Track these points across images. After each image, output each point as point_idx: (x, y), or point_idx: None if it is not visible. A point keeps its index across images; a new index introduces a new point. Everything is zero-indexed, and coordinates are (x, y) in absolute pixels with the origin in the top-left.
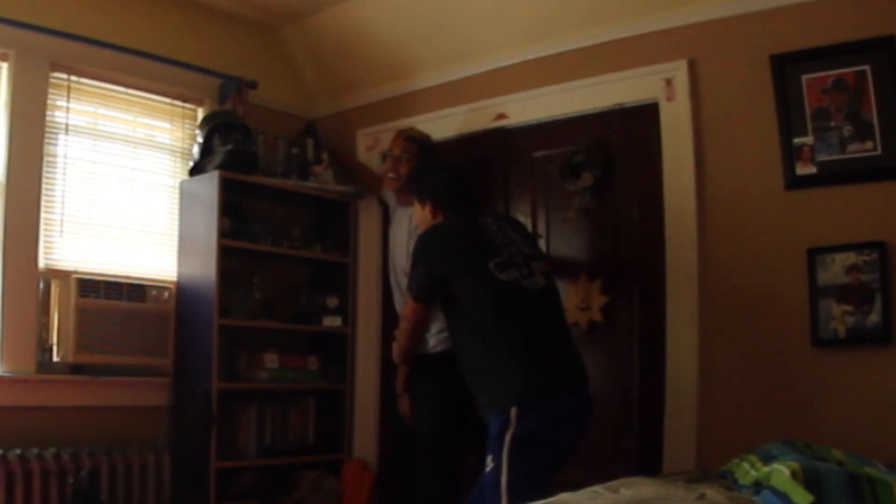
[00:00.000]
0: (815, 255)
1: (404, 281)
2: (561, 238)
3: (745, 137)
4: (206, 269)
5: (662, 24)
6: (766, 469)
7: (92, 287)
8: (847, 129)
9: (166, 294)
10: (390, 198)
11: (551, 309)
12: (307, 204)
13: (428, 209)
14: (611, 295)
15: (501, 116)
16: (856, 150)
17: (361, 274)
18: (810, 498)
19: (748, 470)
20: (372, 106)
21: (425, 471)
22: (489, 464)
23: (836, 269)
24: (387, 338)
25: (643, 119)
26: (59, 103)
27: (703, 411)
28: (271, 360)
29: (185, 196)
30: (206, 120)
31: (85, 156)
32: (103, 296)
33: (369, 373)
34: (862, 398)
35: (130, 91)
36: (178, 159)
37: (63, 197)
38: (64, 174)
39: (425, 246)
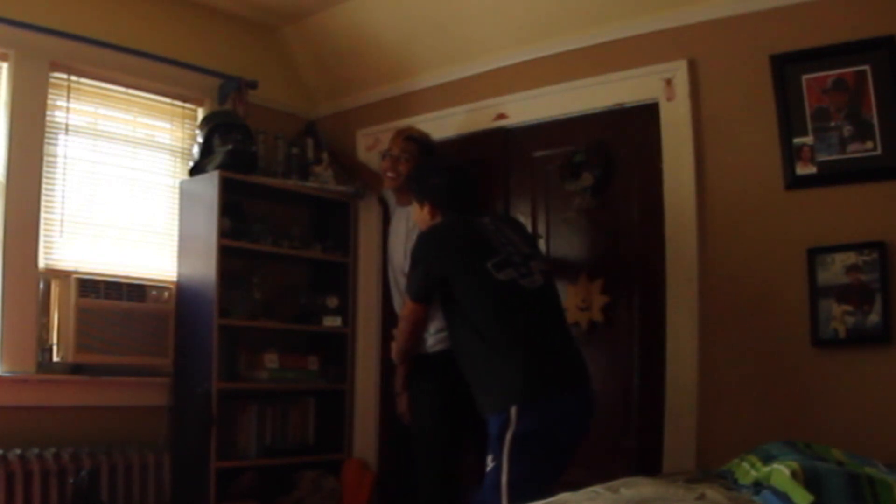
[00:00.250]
0: (815, 255)
1: (402, 281)
2: (561, 238)
3: (745, 137)
4: (206, 269)
5: (662, 24)
6: (766, 469)
7: (92, 287)
8: (847, 129)
9: (166, 294)
10: (390, 197)
11: (550, 307)
12: (307, 204)
13: (427, 210)
14: (611, 295)
15: (501, 116)
16: (856, 150)
17: (361, 274)
18: (810, 498)
19: (748, 470)
20: (372, 106)
21: (425, 471)
22: (490, 463)
23: (836, 269)
24: (387, 338)
25: (643, 119)
26: (59, 103)
27: (703, 411)
28: (271, 360)
29: (185, 196)
30: (206, 120)
31: (85, 156)
32: (103, 296)
33: (369, 373)
34: (862, 398)
35: (130, 91)
36: (178, 159)
37: (63, 197)
38: (64, 174)
39: (424, 247)
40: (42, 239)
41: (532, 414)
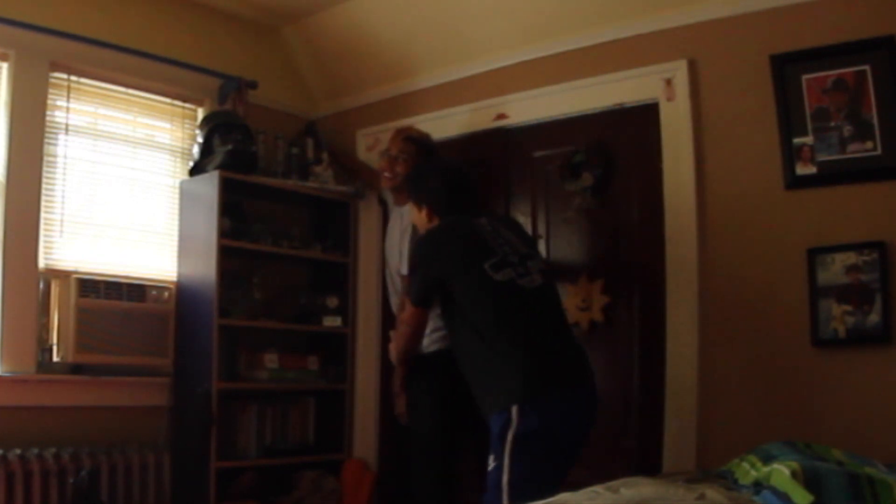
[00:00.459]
0: (815, 255)
1: (398, 280)
2: (561, 238)
3: (745, 137)
4: (206, 269)
5: (662, 24)
6: (766, 469)
7: (92, 287)
8: (847, 129)
9: (166, 294)
10: (388, 197)
11: (550, 307)
12: (307, 204)
13: (425, 212)
14: (611, 295)
15: (501, 116)
16: (856, 150)
17: (361, 274)
18: (810, 498)
19: (748, 470)
20: (372, 106)
21: (424, 472)
22: (491, 463)
23: (836, 269)
24: (387, 338)
25: (643, 119)
26: (59, 103)
27: (703, 411)
28: (271, 360)
29: (185, 196)
30: (206, 120)
31: (85, 156)
32: (103, 296)
33: (369, 373)
34: (862, 398)
35: (130, 91)
36: (178, 159)
37: (63, 197)
38: (64, 174)
39: (421, 250)
40: (42, 239)
41: (533, 413)
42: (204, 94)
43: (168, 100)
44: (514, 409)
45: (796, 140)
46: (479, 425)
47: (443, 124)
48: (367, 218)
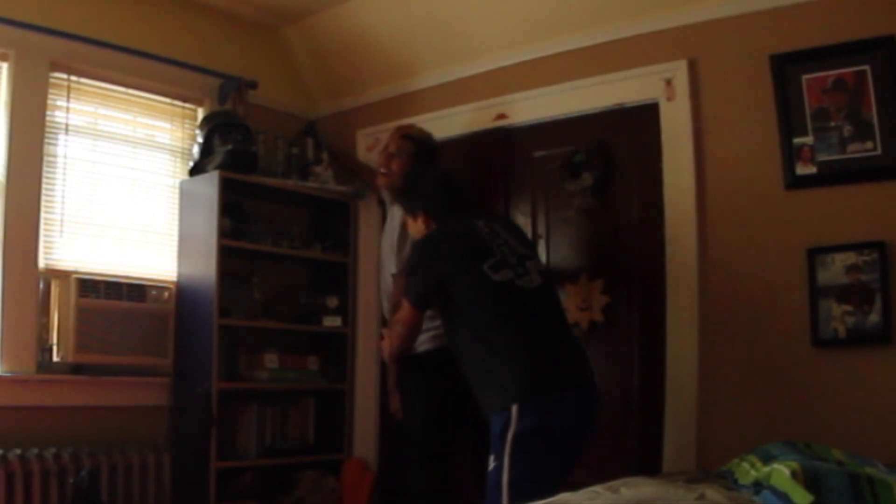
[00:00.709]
0: (815, 255)
1: (389, 281)
2: (561, 238)
3: (745, 137)
4: (206, 269)
5: (662, 24)
6: (766, 469)
7: (92, 287)
8: (847, 129)
9: (166, 294)
10: (385, 193)
11: (549, 307)
12: (307, 204)
13: (421, 220)
14: (611, 295)
15: (502, 116)
16: (856, 150)
17: (361, 274)
18: (810, 498)
19: (748, 470)
20: (372, 106)
21: (419, 471)
22: (491, 463)
23: (836, 269)
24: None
25: (643, 119)
26: (59, 103)
27: (703, 411)
28: (271, 360)
29: (185, 196)
30: (206, 120)
31: (85, 156)
32: (103, 296)
33: (369, 373)
34: (862, 398)
35: (130, 91)
36: (178, 159)
37: (63, 197)
38: (64, 174)
39: (421, 253)
40: (42, 239)
41: (533, 413)
42: (204, 94)
43: (168, 100)
44: (514, 409)
45: (796, 140)
46: (476, 424)
47: (443, 124)
48: (367, 218)
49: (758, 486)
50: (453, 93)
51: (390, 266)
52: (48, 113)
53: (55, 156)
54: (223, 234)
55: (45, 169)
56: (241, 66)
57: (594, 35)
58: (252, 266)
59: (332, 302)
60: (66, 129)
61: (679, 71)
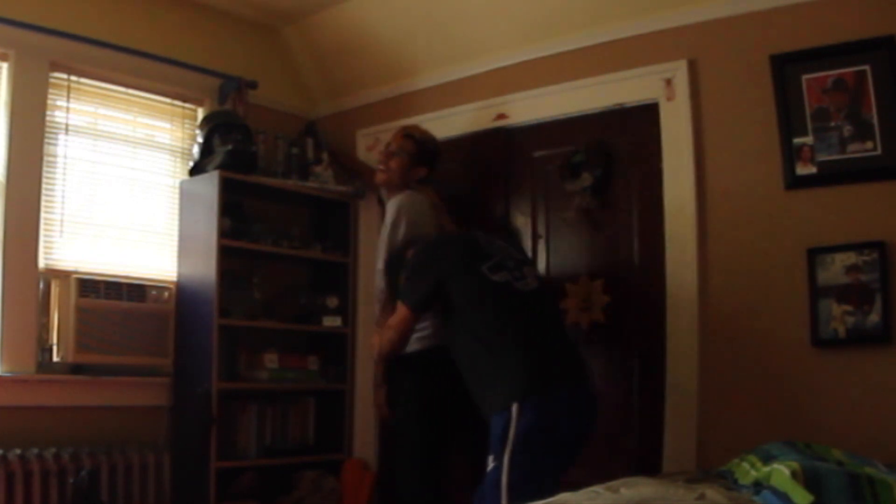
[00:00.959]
0: (815, 255)
1: (379, 280)
2: (561, 238)
3: (745, 137)
4: (206, 269)
5: (662, 24)
6: (766, 469)
7: (92, 287)
8: (847, 129)
9: (166, 294)
10: (382, 191)
11: (547, 309)
12: (307, 204)
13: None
14: (611, 295)
15: (501, 116)
16: (856, 150)
17: (361, 274)
18: (810, 498)
19: (748, 470)
20: (372, 106)
21: (408, 471)
22: (490, 463)
23: (836, 269)
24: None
25: (643, 119)
26: (59, 103)
27: (703, 411)
28: (271, 360)
29: (185, 196)
30: (206, 120)
31: (85, 156)
32: (103, 296)
33: (369, 373)
34: (862, 398)
35: (130, 91)
36: (178, 159)
37: (63, 197)
38: (64, 174)
39: (421, 257)
40: (42, 239)
41: (533, 411)
42: (204, 94)
43: (168, 100)
44: (515, 408)
45: (796, 140)
46: (468, 424)
47: (443, 124)
48: (367, 218)
49: (758, 486)
50: (453, 93)
51: (380, 262)
52: (48, 113)
53: (55, 156)
54: (223, 234)
55: (45, 169)
56: (241, 66)
57: (594, 35)
58: (252, 266)
59: (332, 302)
60: (66, 129)
61: (679, 71)
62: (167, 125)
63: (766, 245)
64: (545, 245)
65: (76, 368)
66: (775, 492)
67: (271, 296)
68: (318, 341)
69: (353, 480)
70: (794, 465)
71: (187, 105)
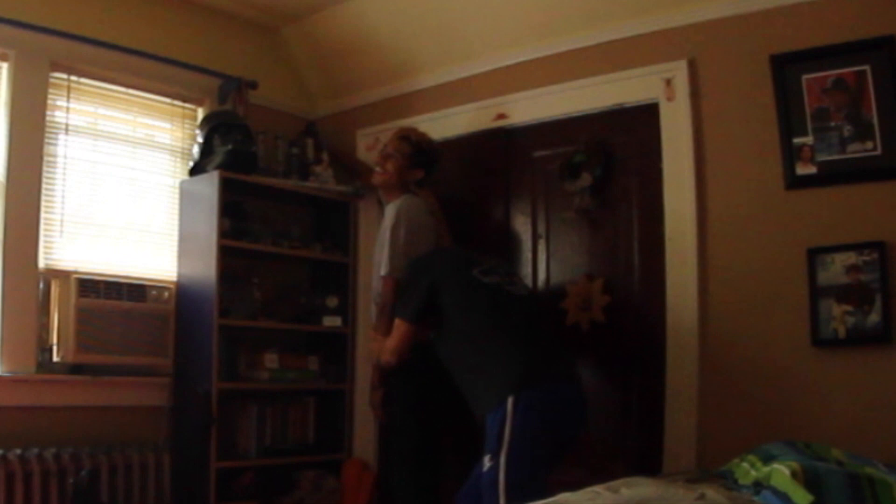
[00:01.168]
0: (815, 255)
1: (377, 286)
2: (561, 238)
3: (745, 137)
4: (206, 269)
5: (662, 24)
6: (766, 469)
7: (92, 287)
8: (847, 129)
9: (166, 294)
10: (380, 193)
11: (537, 312)
12: (307, 204)
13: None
14: (611, 295)
15: (501, 116)
16: (856, 150)
17: (361, 274)
18: (810, 498)
19: (748, 470)
20: (372, 106)
21: (404, 473)
22: (487, 463)
23: (836, 269)
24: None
25: (643, 119)
26: (59, 103)
27: (703, 411)
28: (271, 360)
29: (185, 196)
30: (206, 120)
31: (85, 156)
32: (103, 296)
33: (369, 373)
34: (862, 398)
35: (130, 91)
36: (178, 159)
37: (63, 197)
38: (64, 174)
39: (412, 269)
40: (42, 239)
41: (527, 405)
42: (204, 94)
43: (168, 100)
44: (510, 403)
45: (796, 140)
46: (460, 426)
47: (443, 124)
48: (367, 218)
49: (758, 486)
50: (453, 93)
51: (381, 267)
52: (48, 113)
53: (55, 156)
54: (223, 234)
55: (45, 169)
56: (241, 66)
57: (594, 35)
58: (252, 266)
59: (332, 302)
60: (66, 129)
61: (679, 71)
62: (167, 125)
63: (766, 245)
64: (545, 245)
65: (76, 368)
66: (775, 492)
67: (271, 296)
68: (318, 341)
69: (353, 480)
70: (794, 465)
71: (187, 105)
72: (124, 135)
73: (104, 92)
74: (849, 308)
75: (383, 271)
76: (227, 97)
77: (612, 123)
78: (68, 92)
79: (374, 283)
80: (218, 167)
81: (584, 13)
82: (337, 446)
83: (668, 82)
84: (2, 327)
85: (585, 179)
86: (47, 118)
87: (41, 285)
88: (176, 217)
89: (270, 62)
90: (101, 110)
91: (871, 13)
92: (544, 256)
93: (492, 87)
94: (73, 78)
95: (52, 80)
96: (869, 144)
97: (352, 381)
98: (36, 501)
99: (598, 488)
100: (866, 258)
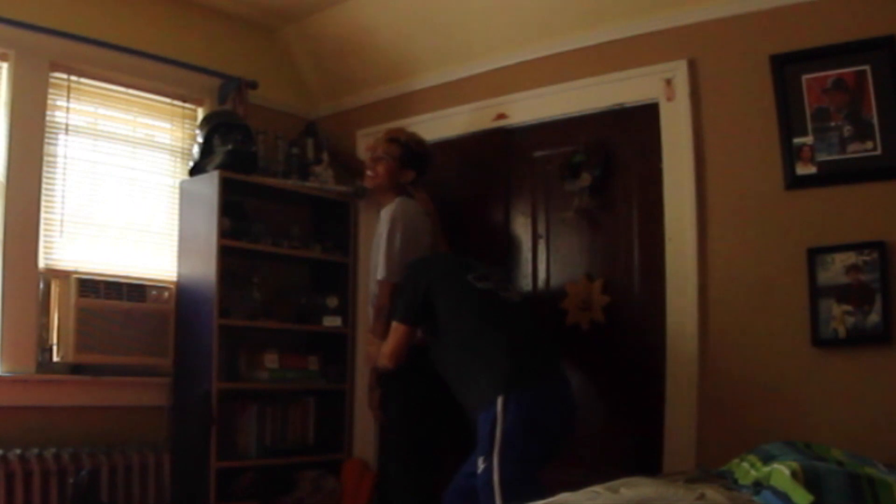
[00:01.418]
0: (815, 255)
1: (374, 288)
2: (561, 238)
3: (745, 137)
4: (206, 269)
5: (662, 24)
6: (766, 469)
7: (92, 287)
8: (847, 129)
9: (166, 294)
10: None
11: (530, 317)
12: (307, 204)
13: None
14: (611, 295)
15: (501, 116)
16: (856, 150)
17: (361, 274)
18: (810, 498)
19: (748, 470)
20: (372, 106)
21: (400, 473)
22: (480, 464)
23: (836, 269)
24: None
25: (643, 119)
26: (59, 103)
27: (703, 411)
28: (271, 360)
29: (185, 196)
30: (206, 120)
31: (85, 156)
32: (103, 296)
33: (368, 371)
34: (862, 398)
35: (130, 91)
36: (178, 159)
37: (63, 197)
38: (64, 174)
39: (410, 272)
40: (42, 239)
41: (517, 404)
42: (204, 94)
43: (168, 100)
44: (500, 402)
45: (796, 140)
46: (456, 427)
47: (443, 124)
48: (367, 218)
49: (758, 486)
50: (453, 93)
51: (377, 271)
52: (48, 113)
53: (55, 156)
54: (223, 234)
55: (45, 169)
56: (241, 66)
57: (594, 35)
58: (252, 266)
59: (332, 302)
60: (66, 129)
61: (679, 71)
62: (167, 125)
63: (766, 245)
64: (545, 245)
65: (76, 368)
66: (775, 492)
67: (271, 296)
68: (318, 341)
69: (353, 480)
70: (794, 465)
71: (187, 105)
72: (124, 135)
73: (104, 92)
74: (849, 308)
75: (380, 276)
76: (227, 97)
77: (612, 123)
78: (68, 92)
79: (370, 287)
80: (218, 167)
81: (584, 13)
82: (337, 446)
83: (668, 82)
84: (2, 327)
85: (585, 179)
86: (47, 118)
87: (41, 285)
88: (176, 217)
89: (270, 62)
90: (101, 110)
91: (871, 13)
92: (544, 257)
93: (492, 87)
94: (73, 78)
95: (52, 80)
96: (869, 144)
97: (352, 381)
98: (36, 501)
99: (597, 488)
100: (866, 258)
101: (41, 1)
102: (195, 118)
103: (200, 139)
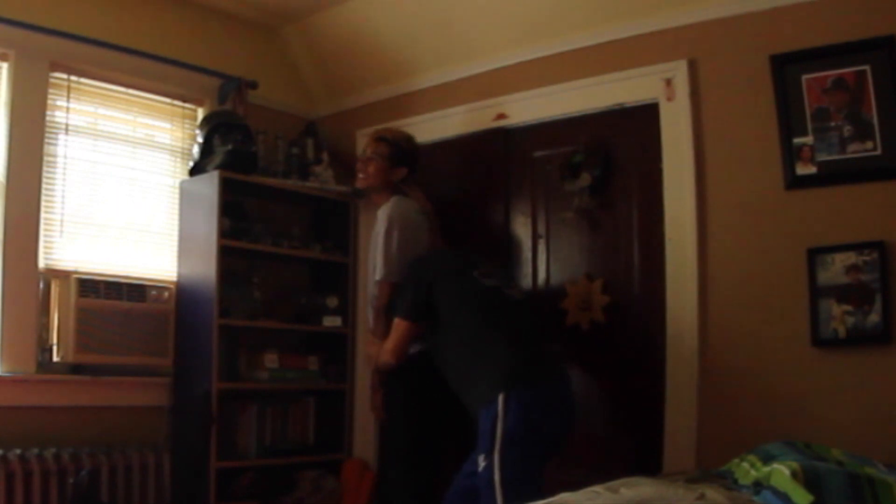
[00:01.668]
0: (815, 255)
1: (372, 289)
2: (561, 238)
3: (745, 137)
4: (206, 269)
5: (662, 24)
6: (766, 469)
7: (92, 287)
8: (847, 129)
9: (166, 294)
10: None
11: (532, 316)
12: (307, 204)
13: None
14: (611, 295)
15: (501, 116)
16: (856, 150)
17: (361, 274)
18: (810, 498)
19: (748, 470)
20: (372, 106)
21: (400, 473)
22: (481, 463)
23: (836, 269)
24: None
25: (643, 119)
26: (59, 103)
27: (703, 411)
28: (271, 360)
29: (185, 196)
30: (206, 120)
31: (85, 156)
32: (103, 296)
33: (369, 374)
34: (862, 398)
35: (130, 91)
36: (178, 159)
37: (63, 197)
38: (64, 174)
39: (413, 268)
40: (42, 239)
41: (518, 402)
42: (204, 94)
43: (168, 100)
44: (501, 399)
45: (796, 140)
46: (457, 428)
47: (443, 124)
48: (367, 218)
49: (758, 486)
50: (453, 93)
51: (376, 271)
52: (48, 113)
53: (55, 156)
54: (223, 234)
55: (45, 169)
56: (241, 66)
57: (594, 35)
58: (252, 266)
59: (332, 302)
60: (66, 129)
61: (679, 71)
62: (167, 125)
63: (766, 245)
64: (545, 245)
65: (76, 368)
66: (775, 492)
67: (271, 296)
68: (318, 341)
69: (353, 480)
70: (794, 465)
71: (187, 105)
72: (124, 135)
73: (104, 92)
74: (849, 308)
75: (378, 276)
76: (227, 97)
77: (611, 123)
78: (68, 92)
79: (369, 287)
80: (218, 167)
81: (584, 13)
82: (337, 446)
83: (668, 82)
84: (2, 327)
85: (585, 179)
86: (47, 118)
87: (41, 285)
88: (176, 217)
89: (270, 62)
90: (101, 110)
91: (871, 13)
92: (544, 256)
93: (492, 87)
94: (73, 78)
95: (52, 80)
96: (869, 144)
97: (352, 381)
98: (36, 501)
99: (597, 488)
100: (866, 258)
101: (41, 1)
102: (195, 118)
103: (200, 139)
